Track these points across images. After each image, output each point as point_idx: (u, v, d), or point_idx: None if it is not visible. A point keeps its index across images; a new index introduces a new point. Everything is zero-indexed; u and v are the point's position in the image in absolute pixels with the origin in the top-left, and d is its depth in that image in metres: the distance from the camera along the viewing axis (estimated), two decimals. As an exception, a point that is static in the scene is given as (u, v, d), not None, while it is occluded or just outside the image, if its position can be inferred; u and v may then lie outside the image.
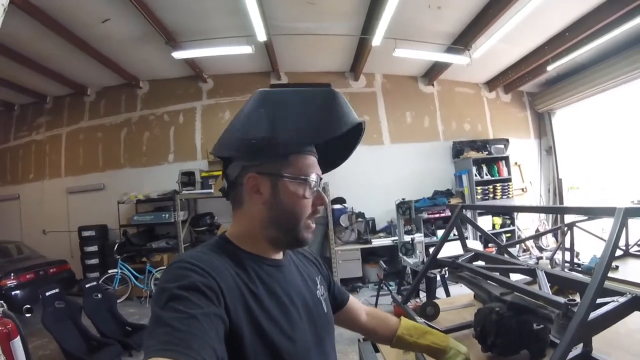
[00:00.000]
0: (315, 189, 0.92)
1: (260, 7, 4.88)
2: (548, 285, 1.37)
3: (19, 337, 1.69)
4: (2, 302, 1.66)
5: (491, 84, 8.14)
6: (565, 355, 0.94)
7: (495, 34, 5.66)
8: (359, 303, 1.33)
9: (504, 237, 7.19)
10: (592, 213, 1.39)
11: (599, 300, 1.02)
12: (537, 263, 1.82)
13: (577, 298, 1.11)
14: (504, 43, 6.01)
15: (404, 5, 4.86)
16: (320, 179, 0.94)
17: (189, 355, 0.56)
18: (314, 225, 0.95)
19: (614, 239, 1.04)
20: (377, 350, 1.68)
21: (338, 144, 0.99)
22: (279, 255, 0.98)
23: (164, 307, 0.65)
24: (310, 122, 0.85)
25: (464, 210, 2.06)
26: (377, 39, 5.63)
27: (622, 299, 1.05)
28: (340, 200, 7.11)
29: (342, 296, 1.26)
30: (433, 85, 7.98)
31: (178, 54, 6.12)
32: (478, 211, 6.91)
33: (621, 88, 6.55)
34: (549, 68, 6.67)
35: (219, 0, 5.09)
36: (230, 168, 0.93)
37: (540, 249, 7.32)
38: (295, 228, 0.90)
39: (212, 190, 6.44)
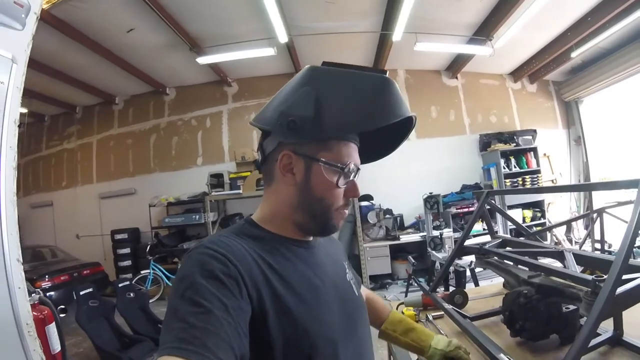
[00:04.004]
0: (350, 179, 0.87)
1: (280, 9, 4.96)
2: (576, 265, 1.36)
3: (54, 323, 1.78)
4: (39, 290, 1.74)
5: (516, 74, 8.00)
6: (594, 329, 0.93)
7: (517, 22, 5.57)
8: (363, 288, 1.30)
9: (535, 230, 7.05)
10: (615, 187, 1.35)
11: (628, 277, 1.01)
12: (566, 250, 1.80)
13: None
14: (526, 31, 5.91)
15: (424, -2, 4.83)
16: (358, 169, 0.90)
17: (203, 355, 0.55)
18: (346, 213, 0.91)
19: (639, 210, 1.02)
20: None
21: (383, 136, 0.96)
22: (309, 238, 0.95)
23: (181, 297, 0.64)
24: (358, 108, 0.79)
25: (489, 196, 2.04)
26: (397, 34, 5.62)
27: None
28: (367, 197, 7.10)
29: (358, 279, 1.23)
30: (457, 78, 7.90)
31: (203, 60, 6.25)
32: (508, 204, 6.82)
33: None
34: (573, 55, 6.53)
35: (240, 5, 5.17)
36: (267, 141, 0.89)
37: (572, 242, 7.16)
38: (324, 215, 0.86)
39: (240, 191, 6.53)
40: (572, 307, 1.23)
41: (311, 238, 0.95)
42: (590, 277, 1.07)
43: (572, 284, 1.22)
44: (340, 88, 0.82)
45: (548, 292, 1.28)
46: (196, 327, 0.58)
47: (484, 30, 6.00)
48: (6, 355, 1.34)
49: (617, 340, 1.19)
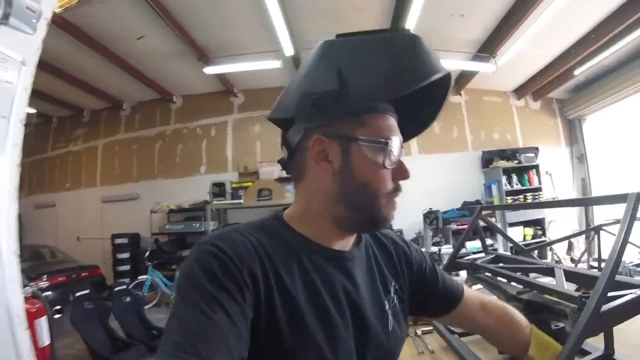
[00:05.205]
0: (396, 157, 0.73)
1: (287, 23, 5.05)
2: (565, 281, 1.34)
3: (45, 317, 1.83)
4: (34, 283, 1.80)
5: (519, 92, 8.02)
6: (577, 346, 0.90)
7: (520, 40, 5.61)
8: (474, 294, 1.04)
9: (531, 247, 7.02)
10: (603, 202, 1.34)
11: (616, 293, 0.99)
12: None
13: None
14: (530, 49, 5.96)
15: (427, 15, 4.90)
16: (402, 146, 0.75)
17: None
18: (397, 201, 0.77)
19: (626, 225, 1.00)
20: None
21: (417, 105, 0.82)
22: (346, 245, 0.80)
23: (182, 299, 0.60)
24: (387, 71, 0.68)
25: (482, 211, 2.06)
26: (402, 49, 5.67)
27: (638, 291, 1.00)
28: (367, 211, 7.09)
29: (454, 290, 0.98)
30: (461, 94, 7.91)
31: (210, 70, 6.33)
32: (508, 222, 6.82)
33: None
34: (576, 72, 6.57)
35: (249, 17, 5.25)
36: (291, 132, 0.75)
37: (573, 261, 7.11)
38: (372, 205, 0.73)
39: (242, 201, 6.57)
40: (561, 325, 1.17)
41: (349, 247, 0.81)
42: (577, 294, 1.06)
43: (561, 300, 1.21)
44: (363, 54, 0.71)
45: (536, 308, 1.25)
46: (193, 333, 0.54)
47: (488, 48, 6.04)
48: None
49: (607, 357, 1.15)
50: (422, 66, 0.69)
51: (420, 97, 0.77)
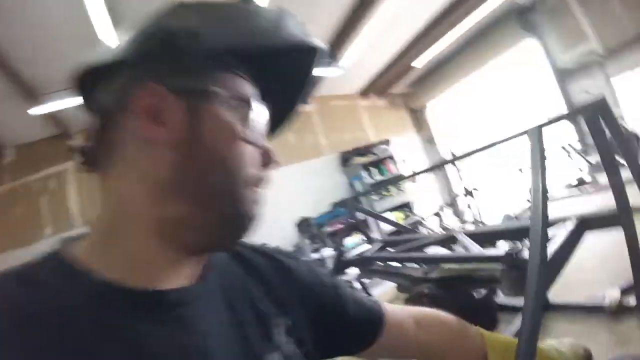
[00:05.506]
0: (260, 131, 0.55)
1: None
2: (474, 245, 1.22)
3: None
4: None
5: (364, 92, 8.47)
6: (538, 307, 0.76)
7: (361, 42, 5.86)
8: (402, 310, 0.79)
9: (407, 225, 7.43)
10: (505, 141, 1.32)
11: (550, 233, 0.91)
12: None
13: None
14: (370, 50, 6.25)
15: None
16: (268, 121, 0.60)
17: None
18: (261, 195, 0.55)
19: (539, 158, 0.92)
20: None
21: (282, 86, 0.65)
22: (182, 278, 0.50)
23: None
24: (255, 25, 0.52)
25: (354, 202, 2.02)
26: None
27: (569, 225, 0.95)
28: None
29: (373, 311, 0.74)
30: (310, 103, 8.10)
31: (39, 109, 5.49)
32: (377, 211, 7.13)
33: (485, 68, 7.11)
34: (415, 65, 7.18)
35: (81, 44, 4.63)
36: (105, 87, 0.51)
37: (446, 230, 7.59)
38: (229, 193, 0.49)
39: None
40: (483, 291, 1.11)
41: (189, 276, 0.52)
42: (502, 252, 0.95)
43: (475, 267, 1.09)
44: (226, 11, 0.52)
45: (452, 283, 1.13)
46: None
47: (331, 53, 6.21)
48: None
49: (544, 306, 1.09)
50: (298, 30, 0.57)
51: (288, 75, 0.63)
